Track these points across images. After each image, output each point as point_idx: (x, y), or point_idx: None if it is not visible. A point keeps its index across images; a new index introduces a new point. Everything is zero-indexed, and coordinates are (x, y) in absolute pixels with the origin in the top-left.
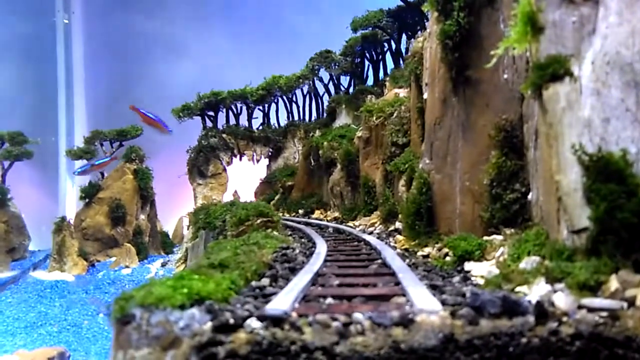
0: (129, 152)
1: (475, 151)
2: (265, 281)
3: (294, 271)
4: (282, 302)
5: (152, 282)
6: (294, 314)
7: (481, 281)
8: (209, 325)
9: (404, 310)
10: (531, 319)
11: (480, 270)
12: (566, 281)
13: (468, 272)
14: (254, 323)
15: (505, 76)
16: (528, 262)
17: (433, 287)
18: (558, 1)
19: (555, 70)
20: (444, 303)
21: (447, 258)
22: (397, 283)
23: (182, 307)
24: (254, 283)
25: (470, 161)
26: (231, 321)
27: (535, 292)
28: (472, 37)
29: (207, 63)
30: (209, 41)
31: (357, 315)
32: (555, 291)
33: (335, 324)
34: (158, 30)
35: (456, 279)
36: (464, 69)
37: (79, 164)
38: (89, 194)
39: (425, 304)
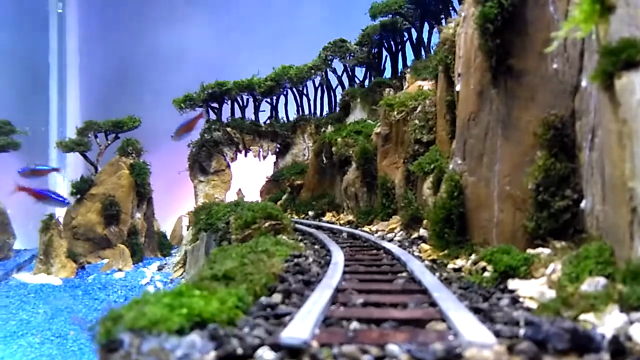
0: (125, 145)
1: (517, 151)
2: (277, 297)
3: (309, 285)
4: (300, 327)
5: (146, 297)
6: (315, 343)
7: (532, 304)
8: (212, 355)
9: (449, 343)
10: (606, 357)
11: (528, 290)
12: None
13: (513, 291)
14: (266, 354)
15: (555, 66)
16: (591, 284)
17: (476, 311)
18: None
19: (630, 56)
20: (497, 335)
21: (486, 273)
22: (432, 304)
23: (181, 332)
24: (263, 299)
25: (512, 162)
26: (239, 351)
27: (608, 323)
28: (516, 22)
29: (211, 50)
30: (214, 27)
31: (392, 348)
32: (631, 322)
33: (365, 357)
34: (158, 15)
35: (504, 301)
36: (506, 57)
37: (71, 157)
38: (81, 189)
39: (474, 335)
